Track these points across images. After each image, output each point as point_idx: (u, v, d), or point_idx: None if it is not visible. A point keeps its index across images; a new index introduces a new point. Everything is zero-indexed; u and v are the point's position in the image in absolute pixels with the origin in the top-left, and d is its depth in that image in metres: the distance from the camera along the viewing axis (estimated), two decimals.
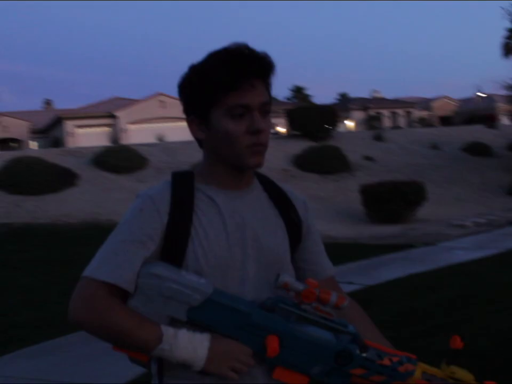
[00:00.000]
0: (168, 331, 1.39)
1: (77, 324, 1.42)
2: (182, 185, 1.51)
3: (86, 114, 41.59)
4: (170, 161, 20.48)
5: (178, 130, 39.15)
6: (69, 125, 41.20)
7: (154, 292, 1.40)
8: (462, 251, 10.24)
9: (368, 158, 22.54)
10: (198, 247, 1.46)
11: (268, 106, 1.50)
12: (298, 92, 64.89)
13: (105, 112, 41.87)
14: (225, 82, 1.43)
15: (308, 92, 64.33)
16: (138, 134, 37.70)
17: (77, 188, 17.50)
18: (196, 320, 1.42)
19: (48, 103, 53.76)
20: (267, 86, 1.51)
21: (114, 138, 36.36)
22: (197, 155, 15.57)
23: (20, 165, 17.25)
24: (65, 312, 1.46)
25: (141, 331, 1.38)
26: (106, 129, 41.48)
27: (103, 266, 1.43)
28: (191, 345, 1.38)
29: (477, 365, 2.99)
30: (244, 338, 1.42)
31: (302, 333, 1.43)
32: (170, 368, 1.45)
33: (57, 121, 42.56)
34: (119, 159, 19.31)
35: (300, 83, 73.77)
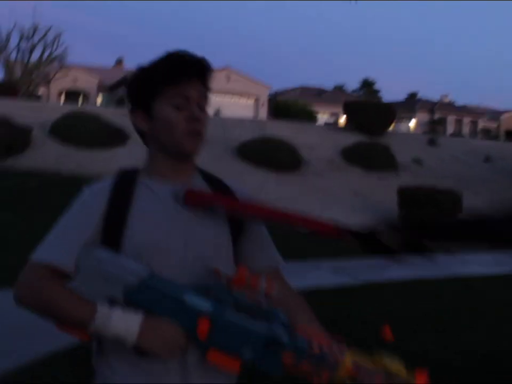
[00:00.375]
0: (102, 309, 1.47)
1: (20, 304, 1.54)
2: (124, 179, 1.65)
3: None
4: (220, 136, 20.89)
5: (237, 107, 39.96)
6: None
7: (94, 274, 1.51)
8: (476, 265, 10.32)
9: (417, 161, 22.43)
10: (136, 233, 1.56)
11: (204, 101, 1.67)
12: (367, 86, 64.34)
13: None
14: (168, 75, 1.61)
15: (377, 87, 63.68)
16: None
17: (126, 148, 18.15)
18: (133, 302, 1.48)
19: (119, 61, 54.99)
20: (205, 85, 1.68)
21: None
22: (245, 134, 16.17)
23: (77, 119, 18.02)
24: None
25: (77, 309, 1.48)
26: None
27: (45, 250, 1.57)
28: (123, 321, 1.46)
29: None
30: (178, 321, 1.47)
31: (233, 318, 1.47)
32: (109, 348, 1.56)
33: (124, 81, 43.57)
34: None
35: (372, 77, 72.67)
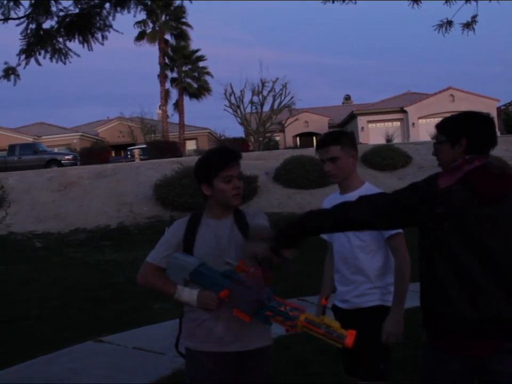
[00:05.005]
0: (179, 288, 2.83)
1: (140, 285, 2.99)
2: (194, 217, 2.99)
3: (377, 110, 43.56)
4: (433, 159, 21.24)
5: None
6: (362, 120, 43.67)
7: (174, 266, 2.84)
8: None
9: None
10: (198, 246, 2.87)
11: (240, 174, 2.93)
12: None
13: (396, 107, 43.32)
14: (220, 164, 2.87)
15: None
16: (426, 128, 38.42)
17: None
18: (194, 280, 2.79)
19: (347, 98, 57.30)
20: (239, 164, 2.96)
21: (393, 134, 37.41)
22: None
23: (296, 163, 19.92)
24: None
25: (166, 288, 2.88)
26: (396, 124, 42.97)
27: (152, 255, 2.96)
28: (189, 294, 2.83)
29: None
30: (215, 290, 2.73)
31: (237, 289, 2.65)
32: (186, 311, 2.95)
33: (352, 117, 45.36)
34: (384, 158, 20.87)
35: None
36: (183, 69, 40.45)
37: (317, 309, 3.45)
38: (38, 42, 5.50)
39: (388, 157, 20.95)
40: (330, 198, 3.41)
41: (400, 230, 3.12)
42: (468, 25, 7.73)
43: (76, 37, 5.46)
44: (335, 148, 3.22)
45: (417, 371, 4.86)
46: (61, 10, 5.42)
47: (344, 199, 3.08)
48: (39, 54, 5.68)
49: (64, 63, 5.59)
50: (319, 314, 3.10)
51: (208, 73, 41.19)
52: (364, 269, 3.20)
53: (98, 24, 5.42)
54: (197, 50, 41.03)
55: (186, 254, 2.86)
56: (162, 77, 39.45)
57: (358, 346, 2.68)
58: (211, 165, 2.89)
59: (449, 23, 7.58)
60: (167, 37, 40.50)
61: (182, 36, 40.42)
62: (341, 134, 3.32)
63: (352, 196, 3.08)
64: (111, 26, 5.54)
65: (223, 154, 2.92)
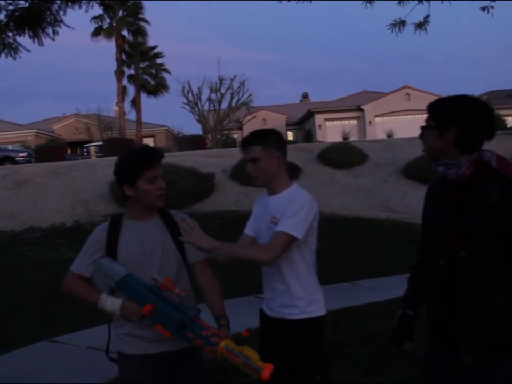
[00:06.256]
0: (103, 296, 2.76)
1: (65, 294, 2.89)
2: (114, 220, 2.92)
3: (335, 108, 43.99)
4: (389, 157, 21.63)
5: (419, 123, 39.71)
6: (319, 118, 44.04)
7: (99, 272, 2.78)
8: None
9: None
10: (121, 251, 2.81)
11: (164, 175, 2.86)
12: None
13: (353, 105, 43.81)
14: (144, 164, 2.79)
15: None
16: (383, 126, 38.96)
17: (297, 181, 19.66)
18: (119, 289, 2.72)
19: (305, 96, 57.64)
20: (161, 164, 2.86)
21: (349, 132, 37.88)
22: (414, 152, 17.01)
23: None
24: None
25: (90, 297, 2.81)
26: (353, 122, 43.45)
27: (75, 264, 2.88)
28: (112, 303, 2.74)
29: None
30: (139, 303, 2.65)
31: (162, 306, 2.60)
32: (114, 318, 2.87)
33: (309, 115, 45.69)
34: (340, 155, 21.08)
35: None
36: (141, 65, 40.08)
37: None
38: None
39: (344, 155, 21.14)
40: (260, 200, 3.26)
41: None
42: (421, 25, 7.87)
43: (26, 31, 5.36)
44: (256, 148, 3.05)
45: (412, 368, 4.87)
46: (10, 4, 5.32)
47: (270, 202, 3.10)
48: None
49: (14, 58, 5.49)
50: None
51: (165, 70, 40.93)
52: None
53: (48, 19, 5.32)
54: (155, 47, 40.69)
55: (113, 261, 2.80)
56: (119, 74, 38.98)
57: (292, 358, 2.75)
58: (135, 164, 2.81)
59: (403, 23, 7.71)
60: (124, 33, 40.00)
61: (139, 32, 39.98)
62: (265, 134, 3.14)
63: (278, 198, 3.06)
64: (62, 21, 5.45)
65: (146, 153, 2.85)
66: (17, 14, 5.22)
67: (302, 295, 3.02)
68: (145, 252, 2.81)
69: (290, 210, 2.94)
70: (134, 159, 2.84)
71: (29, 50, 5.51)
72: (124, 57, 39.68)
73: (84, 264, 2.86)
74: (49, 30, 5.39)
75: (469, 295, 2.32)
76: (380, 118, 42.19)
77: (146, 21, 40.15)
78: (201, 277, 2.92)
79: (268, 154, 3.05)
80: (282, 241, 2.91)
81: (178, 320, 2.56)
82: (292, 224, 2.92)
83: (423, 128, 2.43)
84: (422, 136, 2.43)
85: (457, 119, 2.31)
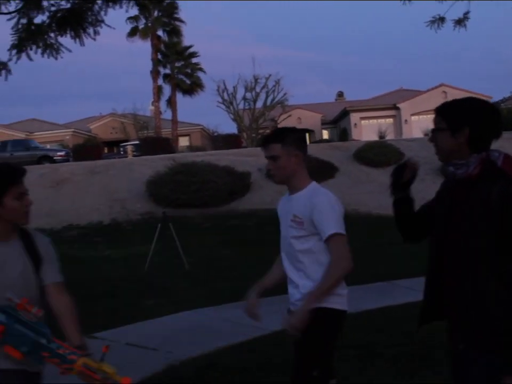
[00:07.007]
0: None
1: None
2: None
3: (370, 107, 43.67)
4: (425, 156, 21.30)
5: None
6: (355, 117, 43.77)
7: None
8: None
9: None
10: None
11: (27, 191, 2.73)
12: None
13: (389, 103, 43.42)
14: (12, 179, 2.68)
15: None
16: (419, 125, 38.53)
17: (333, 180, 19.60)
18: None
19: (340, 94, 57.33)
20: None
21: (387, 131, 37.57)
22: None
23: None
24: None
25: None
26: (389, 120, 43.08)
27: None
28: None
29: None
30: None
31: (16, 327, 2.52)
32: None
33: (345, 113, 45.46)
34: (376, 154, 20.93)
35: None
36: (176, 65, 40.41)
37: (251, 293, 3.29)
38: (29, 37, 5.48)
39: (380, 154, 20.98)
40: (283, 199, 3.27)
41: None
42: (460, 22, 7.77)
43: (68, 32, 5.45)
44: (275, 146, 3.06)
45: (410, 367, 4.87)
46: (52, 5, 5.42)
47: (292, 200, 3.10)
48: (31, 49, 5.66)
49: (56, 58, 5.58)
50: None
51: (201, 69, 41.18)
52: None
53: (90, 19, 5.41)
54: (190, 47, 40.99)
55: None
56: (155, 73, 39.38)
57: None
58: (1, 181, 2.69)
59: (441, 19, 7.62)
60: (160, 33, 40.47)
61: (174, 32, 40.35)
62: (285, 132, 3.15)
63: (298, 196, 3.06)
64: (103, 21, 5.53)
65: (12, 169, 2.76)
66: (59, 15, 5.32)
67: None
68: (6, 275, 2.68)
69: (324, 213, 2.97)
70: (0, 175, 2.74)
71: (70, 51, 5.60)
72: (159, 57, 40.08)
73: None
74: (90, 30, 5.48)
75: (469, 287, 2.36)
76: (416, 117, 41.69)
77: (181, 21, 40.56)
78: (54, 299, 2.82)
79: (287, 152, 3.06)
80: (342, 242, 2.95)
81: (33, 341, 2.54)
82: (334, 225, 2.95)
83: (433, 130, 2.49)
84: (433, 139, 2.49)
85: (470, 119, 2.37)
